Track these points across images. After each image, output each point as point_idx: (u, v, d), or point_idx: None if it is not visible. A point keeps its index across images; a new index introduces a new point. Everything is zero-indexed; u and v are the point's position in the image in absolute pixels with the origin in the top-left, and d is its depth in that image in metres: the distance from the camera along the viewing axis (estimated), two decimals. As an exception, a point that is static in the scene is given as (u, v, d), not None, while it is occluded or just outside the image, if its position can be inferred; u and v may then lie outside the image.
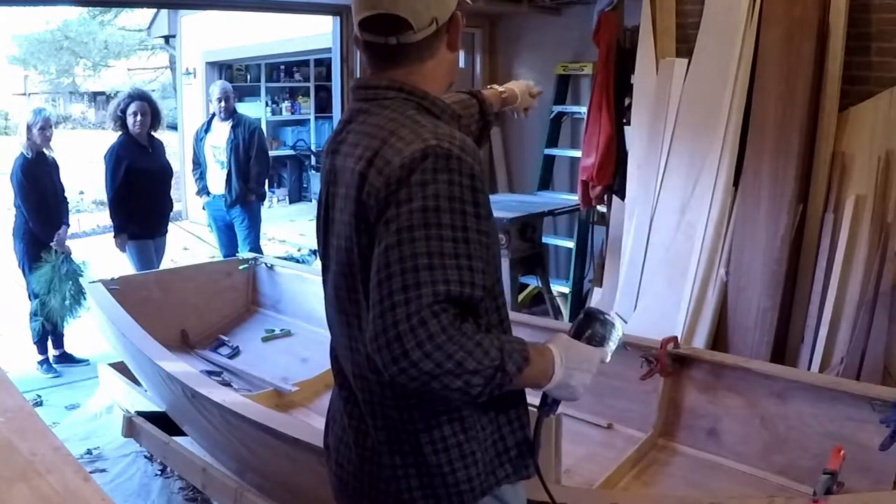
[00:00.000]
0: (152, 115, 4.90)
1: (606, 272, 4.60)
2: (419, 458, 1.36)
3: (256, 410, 2.63)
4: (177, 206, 7.46)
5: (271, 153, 10.45)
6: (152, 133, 4.99)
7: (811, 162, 3.57)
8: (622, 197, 4.41)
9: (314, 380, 3.51)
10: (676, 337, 3.00)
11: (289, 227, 9.19)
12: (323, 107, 10.67)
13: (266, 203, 7.49)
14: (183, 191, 9.56)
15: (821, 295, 3.49)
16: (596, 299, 4.62)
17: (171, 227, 5.27)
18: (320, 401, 3.40)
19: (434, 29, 1.38)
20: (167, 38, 10.95)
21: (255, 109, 10.37)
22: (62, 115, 20.93)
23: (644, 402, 2.94)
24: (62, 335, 4.92)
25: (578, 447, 2.88)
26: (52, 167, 4.75)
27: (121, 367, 3.91)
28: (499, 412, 1.40)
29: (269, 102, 10.66)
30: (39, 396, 4.39)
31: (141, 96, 4.97)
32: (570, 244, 5.08)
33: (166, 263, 5.27)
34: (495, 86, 2.02)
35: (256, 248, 5.42)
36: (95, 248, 5.08)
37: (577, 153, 4.84)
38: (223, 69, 10.15)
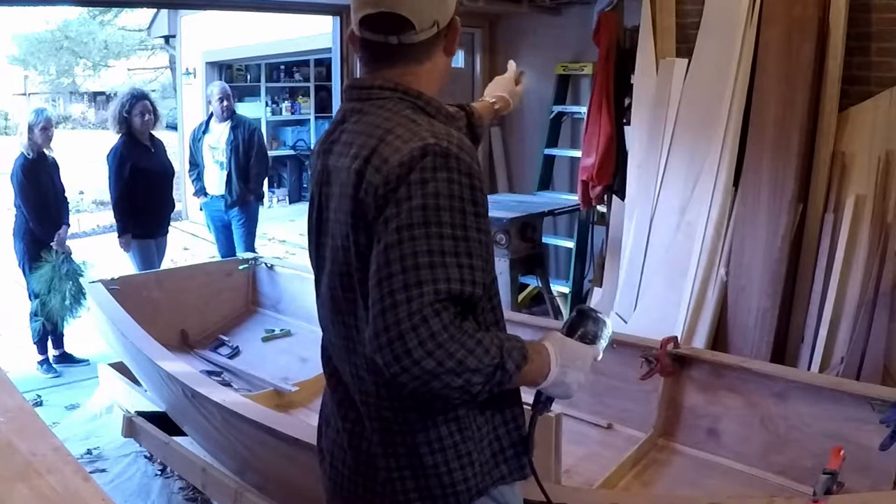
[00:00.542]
0: (154, 115, 4.92)
1: (606, 272, 4.60)
2: (415, 460, 1.35)
3: (256, 410, 2.63)
4: (177, 206, 7.46)
5: (271, 153, 10.45)
6: (152, 133, 4.99)
7: (811, 162, 3.57)
8: (622, 197, 4.41)
9: (314, 380, 3.51)
10: (676, 337, 3.00)
11: (289, 227, 9.19)
12: (323, 107, 10.67)
13: (266, 203, 7.51)
14: (183, 191, 9.56)
15: (821, 295, 3.49)
16: (596, 299, 4.62)
17: (171, 227, 5.26)
18: (320, 401, 3.39)
19: (435, 31, 1.38)
20: (167, 38, 10.95)
21: (255, 109, 10.38)
22: (62, 116, 20.93)
23: (644, 402, 2.94)
24: (62, 335, 4.92)
25: (578, 447, 2.88)
26: (53, 167, 4.75)
27: (121, 367, 3.91)
28: (495, 412, 1.40)
29: (269, 102, 10.66)
30: (39, 396, 4.39)
31: (143, 96, 4.98)
32: (570, 244, 5.08)
33: (166, 263, 5.27)
34: (485, 97, 1.98)
35: (251, 248, 5.42)
36: (96, 248, 5.08)
37: (577, 153, 4.84)
38: (223, 69, 10.16)
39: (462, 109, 1.82)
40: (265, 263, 4.60)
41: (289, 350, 4.08)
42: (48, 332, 4.77)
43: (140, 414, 3.58)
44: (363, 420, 1.41)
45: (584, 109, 4.76)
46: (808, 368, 3.43)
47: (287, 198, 10.85)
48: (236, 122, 5.44)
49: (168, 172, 5.08)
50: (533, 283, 5.14)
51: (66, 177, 4.90)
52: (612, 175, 4.47)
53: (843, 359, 3.34)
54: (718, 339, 3.75)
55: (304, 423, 2.62)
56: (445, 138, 1.29)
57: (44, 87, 20.74)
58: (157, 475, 3.45)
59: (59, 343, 4.93)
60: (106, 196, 5.52)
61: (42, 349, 4.83)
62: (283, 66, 10.78)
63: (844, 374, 3.22)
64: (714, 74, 3.83)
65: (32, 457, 1.41)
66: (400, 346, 1.19)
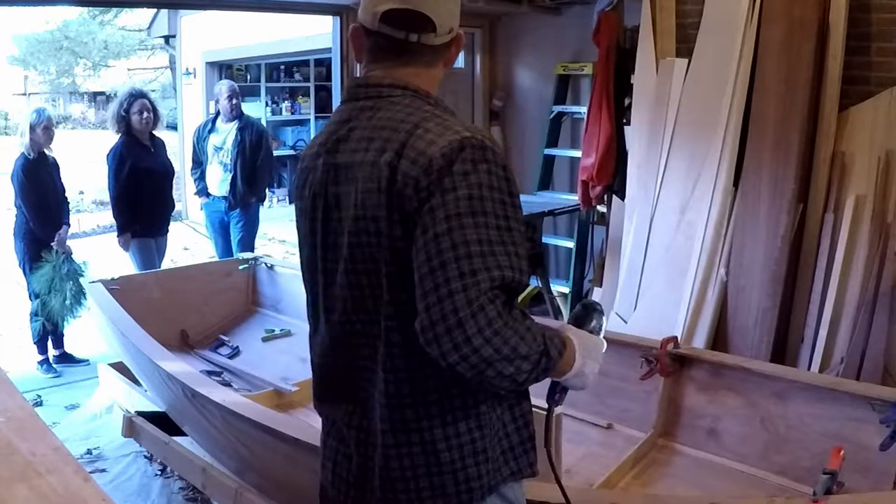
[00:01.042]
0: (153, 114, 4.92)
1: (606, 272, 4.60)
2: (431, 458, 1.35)
3: (256, 410, 2.63)
4: (177, 206, 7.45)
5: (271, 153, 10.49)
6: (153, 132, 4.99)
7: (811, 162, 3.57)
8: (622, 197, 4.41)
9: (314, 380, 3.51)
10: (676, 337, 3.00)
11: (289, 227, 9.18)
12: (323, 107, 10.67)
13: (266, 203, 7.48)
14: (183, 191, 9.56)
15: (821, 295, 3.49)
16: (596, 299, 4.62)
17: (172, 226, 5.26)
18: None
19: (449, 37, 1.42)
20: (167, 38, 10.95)
21: (255, 109, 10.37)
22: (62, 115, 20.93)
23: (644, 402, 2.94)
24: (62, 335, 4.92)
25: (578, 447, 2.88)
26: (53, 167, 4.75)
27: (121, 367, 3.91)
28: (506, 408, 1.40)
29: (269, 102, 10.66)
30: (39, 396, 4.39)
31: (141, 94, 4.97)
32: (570, 244, 5.08)
33: (166, 263, 5.27)
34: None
35: (250, 250, 5.40)
36: (96, 248, 5.08)
37: (577, 153, 4.84)
38: (223, 69, 10.15)
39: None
40: (265, 263, 4.60)
41: (289, 350, 4.07)
42: (48, 332, 4.76)
43: (140, 414, 3.58)
44: (373, 421, 1.39)
45: (584, 109, 4.76)
46: (808, 368, 3.42)
47: (287, 198, 10.84)
48: (244, 123, 5.39)
49: (168, 172, 5.07)
50: (533, 283, 5.14)
51: (66, 177, 4.90)
52: (612, 175, 4.47)
53: (843, 359, 3.34)
54: (718, 339, 3.74)
55: (304, 423, 2.62)
56: (478, 132, 1.32)
57: (44, 87, 20.73)
58: (157, 475, 3.45)
59: (59, 343, 4.93)
60: (106, 196, 5.51)
61: (42, 349, 4.83)
62: (283, 66, 10.77)
63: (844, 374, 3.22)
64: (714, 74, 3.83)
65: (32, 457, 1.41)
66: (460, 335, 1.20)
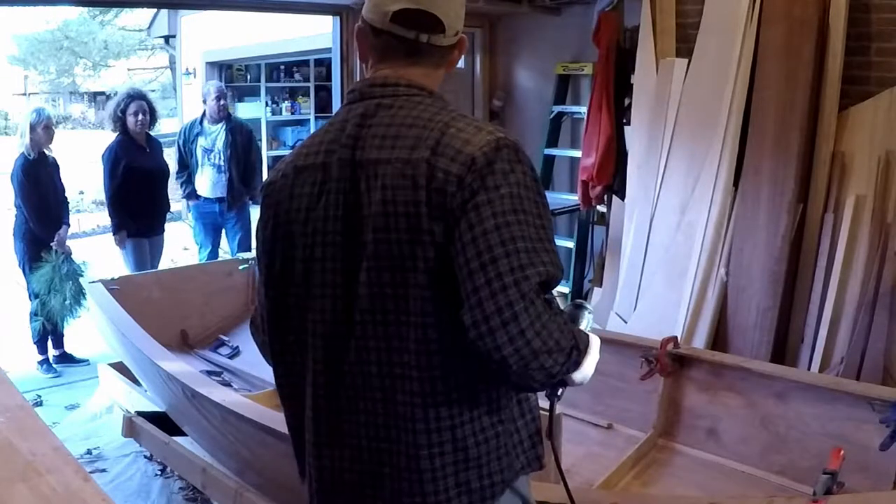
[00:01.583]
0: (150, 115, 4.92)
1: (606, 272, 4.60)
2: (459, 455, 1.34)
3: (256, 410, 2.63)
4: (176, 206, 7.45)
5: (271, 153, 10.50)
6: (149, 133, 4.99)
7: (811, 162, 3.57)
8: (622, 197, 4.41)
9: (314, 380, 3.51)
10: (676, 337, 3.00)
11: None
12: (323, 107, 10.66)
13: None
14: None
15: (821, 295, 3.49)
16: (596, 299, 4.62)
17: (171, 226, 5.26)
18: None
19: (456, 40, 1.43)
20: (167, 38, 10.96)
21: (255, 109, 10.37)
22: (62, 115, 20.91)
23: (644, 402, 2.94)
24: (62, 335, 4.92)
25: (578, 447, 2.88)
26: (53, 167, 4.75)
27: (121, 367, 3.91)
28: (514, 403, 1.41)
29: (269, 102, 10.65)
30: (39, 396, 4.39)
31: (140, 96, 4.97)
32: (570, 244, 5.08)
33: (166, 263, 5.27)
34: None
35: (248, 249, 5.40)
36: (95, 248, 5.07)
37: (577, 153, 4.84)
38: (223, 69, 10.16)
39: None
40: (265, 263, 4.59)
41: (289, 350, 4.07)
42: (48, 332, 4.76)
43: (140, 414, 3.58)
44: (394, 424, 1.35)
45: (584, 109, 4.76)
46: (808, 368, 3.42)
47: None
48: (233, 124, 5.38)
49: (163, 172, 5.08)
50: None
51: (66, 177, 4.90)
52: (612, 175, 4.47)
53: (843, 359, 3.34)
54: (718, 339, 3.74)
55: (304, 423, 2.62)
56: (507, 134, 1.35)
57: (44, 87, 20.72)
58: (157, 475, 3.45)
59: (59, 343, 4.93)
60: (104, 195, 5.50)
61: (42, 349, 4.83)
62: (283, 66, 10.77)
63: (844, 374, 3.21)
64: (714, 74, 3.83)
65: (32, 457, 1.41)
66: (515, 328, 1.24)
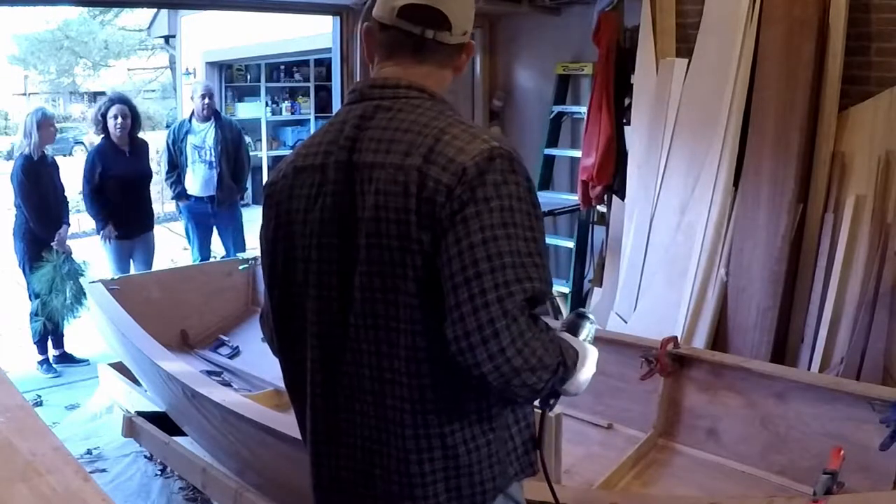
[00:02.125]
0: (132, 118, 4.91)
1: (606, 272, 4.60)
2: (450, 462, 1.34)
3: (256, 410, 2.64)
4: (172, 206, 7.44)
5: (271, 153, 10.51)
6: (136, 135, 4.99)
7: (811, 162, 3.56)
8: (622, 197, 4.41)
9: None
10: (676, 337, 3.00)
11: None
12: (323, 107, 10.67)
13: (243, 200, 7.45)
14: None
15: (821, 295, 3.49)
16: (596, 299, 4.62)
17: (172, 226, 5.26)
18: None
19: (463, 40, 1.43)
20: (167, 38, 10.97)
21: (255, 109, 10.39)
22: (62, 115, 20.91)
23: (644, 402, 2.94)
24: (62, 335, 4.92)
25: (578, 447, 2.88)
26: (53, 167, 4.76)
27: (121, 367, 3.91)
28: (508, 411, 1.41)
29: (269, 102, 10.66)
30: (39, 396, 4.39)
31: (121, 99, 4.98)
32: (570, 244, 5.07)
33: (166, 263, 5.27)
34: None
35: (243, 249, 5.40)
36: (96, 248, 5.07)
37: (577, 153, 4.84)
38: (223, 69, 10.17)
39: None
40: (265, 263, 4.59)
41: (289, 350, 4.07)
42: (48, 332, 4.77)
43: (140, 414, 3.58)
44: (385, 428, 1.36)
45: (584, 109, 4.75)
46: (808, 368, 3.42)
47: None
48: (223, 122, 5.41)
49: (144, 177, 5.07)
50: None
51: (65, 177, 4.91)
52: (612, 175, 4.47)
53: (843, 359, 3.34)
54: (718, 339, 3.74)
55: (304, 423, 2.62)
56: (504, 143, 1.33)
57: (44, 87, 20.72)
58: (157, 475, 3.45)
59: (59, 343, 4.93)
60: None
61: (42, 349, 4.84)
62: (283, 66, 10.78)
63: (844, 374, 3.21)
64: (714, 74, 3.83)
65: (32, 457, 1.41)
66: (495, 345, 1.22)
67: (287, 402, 3.59)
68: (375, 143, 1.35)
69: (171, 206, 8.93)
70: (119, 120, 4.81)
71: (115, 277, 4.33)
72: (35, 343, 4.80)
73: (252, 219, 5.52)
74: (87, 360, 4.90)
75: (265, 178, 5.12)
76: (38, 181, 4.59)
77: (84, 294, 4.46)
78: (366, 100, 1.41)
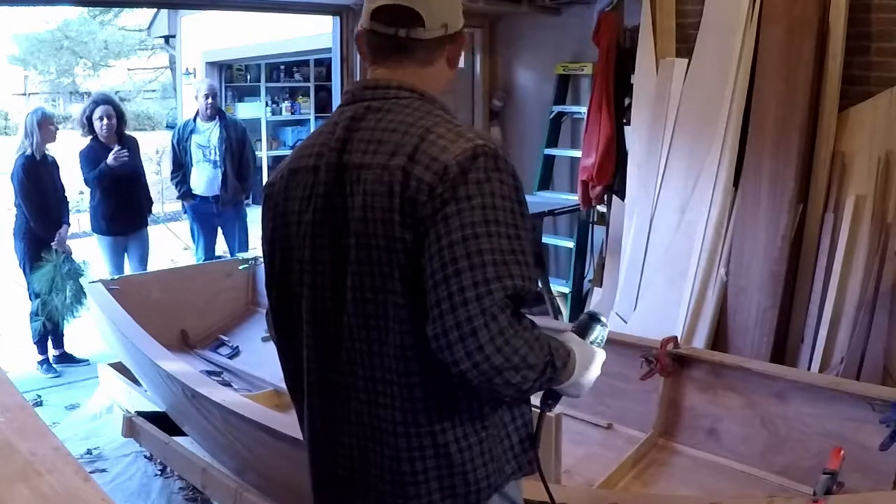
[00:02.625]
0: (118, 117, 4.92)
1: (606, 272, 4.60)
2: (442, 460, 1.35)
3: (256, 410, 2.64)
4: (175, 206, 7.45)
5: (271, 153, 10.50)
6: (124, 133, 5.00)
7: (811, 162, 3.56)
8: (622, 197, 4.41)
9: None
10: (676, 337, 3.00)
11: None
12: (323, 107, 10.66)
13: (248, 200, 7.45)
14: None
15: (821, 295, 3.49)
16: (596, 299, 4.62)
17: (172, 226, 5.26)
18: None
19: (442, 33, 1.41)
20: (167, 38, 10.97)
21: (255, 109, 10.38)
22: (62, 115, 20.89)
23: (644, 402, 2.94)
24: (62, 335, 4.92)
25: (578, 447, 2.88)
26: (53, 167, 4.76)
27: (121, 367, 3.91)
28: (504, 409, 1.41)
29: (269, 102, 10.66)
30: (39, 396, 4.39)
31: (105, 100, 4.99)
32: (570, 244, 5.07)
33: (166, 263, 5.27)
34: None
35: (246, 248, 5.40)
36: (95, 248, 5.07)
37: (577, 153, 4.84)
38: (223, 69, 10.16)
39: None
40: (265, 263, 4.59)
41: (289, 350, 4.06)
42: (48, 331, 4.76)
43: (140, 414, 3.58)
44: (378, 427, 1.37)
45: (584, 109, 4.76)
46: (808, 368, 3.42)
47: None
48: (227, 121, 5.41)
49: (135, 174, 5.05)
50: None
51: (66, 177, 4.91)
52: (612, 175, 4.47)
53: (843, 359, 3.34)
54: (718, 339, 3.74)
55: (304, 423, 2.62)
56: (489, 141, 1.33)
57: (44, 87, 20.70)
58: (157, 475, 3.45)
59: (59, 343, 4.93)
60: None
61: (42, 349, 4.83)
62: (283, 66, 10.77)
63: (844, 374, 3.21)
64: (714, 74, 3.83)
65: (32, 457, 1.41)
66: (473, 343, 1.22)
67: (287, 402, 3.59)
68: (364, 143, 1.37)
69: (171, 207, 8.96)
70: (105, 121, 4.82)
71: (115, 277, 4.33)
72: (35, 343, 4.80)
73: (253, 219, 5.53)
74: (87, 360, 4.90)
75: (265, 179, 5.12)
76: (38, 181, 4.59)
77: (84, 294, 4.46)
78: (357, 101, 1.43)
